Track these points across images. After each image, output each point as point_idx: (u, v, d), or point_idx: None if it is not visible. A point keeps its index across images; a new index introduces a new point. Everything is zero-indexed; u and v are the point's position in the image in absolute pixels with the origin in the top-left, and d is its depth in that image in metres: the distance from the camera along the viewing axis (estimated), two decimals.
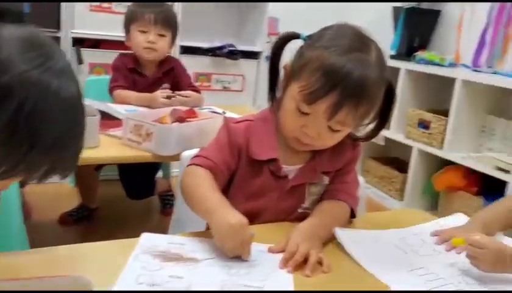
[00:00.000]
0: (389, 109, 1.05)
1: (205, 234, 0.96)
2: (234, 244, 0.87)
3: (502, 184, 2.24)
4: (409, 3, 2.86)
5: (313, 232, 0.98)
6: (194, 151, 1.20)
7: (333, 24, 1.02)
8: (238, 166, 1.08)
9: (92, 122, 1.43)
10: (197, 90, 2.11)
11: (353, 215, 1.12)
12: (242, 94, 3.16)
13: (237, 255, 0.88)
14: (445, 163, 2.62)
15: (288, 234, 0.97)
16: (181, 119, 1.63)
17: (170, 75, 2.15)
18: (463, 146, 2.56)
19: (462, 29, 2.77)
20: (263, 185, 1.08)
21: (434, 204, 2.69)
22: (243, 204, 1.06)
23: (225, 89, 3.14)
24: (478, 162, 2.42)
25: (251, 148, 1.06)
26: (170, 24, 2.10)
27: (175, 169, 2.40)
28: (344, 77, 0.92)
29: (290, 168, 1.08)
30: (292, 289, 0.83)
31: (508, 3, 2.54)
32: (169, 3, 2.18)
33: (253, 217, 1.07)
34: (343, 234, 1.00)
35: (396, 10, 2.96)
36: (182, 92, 2.01)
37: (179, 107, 1.76)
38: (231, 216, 0.88)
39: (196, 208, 0.98)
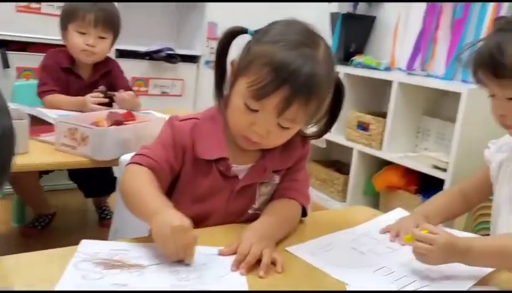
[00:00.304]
0: (339, 106, 1.04)
1: (150, 239, 0.90)
2: (176, 247, 0.82)
3: (439, 182, 2.31)
4: (346, 2, 2.92)
5: (266, 231, 0.95)
6: (131, 155, 1.13)
7: (281, 19, 0.99)
8: (183, 168, 1.03)
9: (20, 127, 1.32)
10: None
11: (304, 213, 1.10)
12: (181, 99, 3.09)
13: (180, 259, 0.83)
14: (385, 164, 2.68)
15: (238, 235, 0.93)
16: (118, 123, 1.56)
17: (107, 78, 2.04)
18: (401, 146, 2.64)
19: (397, 34, 2.86)
20: (211, 187, 1.03)
21: (375, 203, 2.74)
22: (190, 208, 1.01)
23: (164, 94, 3.06)
24: (415, 161, 2.49)
25: (197, 147, 1.01)
26: (112, 25, 1.97)
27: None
28: (293, 72, 0.89)
29: (240, 168, 1.04)
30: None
31: (437, 6, 2.65)
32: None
33: (201, 220, 1.02)
34: (296, 250, 0.96)
35: (333, 16, 3.01)
36: (124, 93, 1.91)
37: (116, 110, 1.68)
38: (172, 218, 0.83)
39: (137, 210, 0.93)
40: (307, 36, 0.94)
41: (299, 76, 0.89)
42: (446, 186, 2.28)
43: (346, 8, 2.94)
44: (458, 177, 2.27)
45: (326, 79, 0.94)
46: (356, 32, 2.96)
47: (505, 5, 2.31)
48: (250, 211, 1.06)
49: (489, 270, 0.92)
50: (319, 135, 1.08)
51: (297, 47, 0.91)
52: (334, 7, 3.00)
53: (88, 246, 0.85)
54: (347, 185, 2.86)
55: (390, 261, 0.95)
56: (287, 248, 0.96)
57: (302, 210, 1.09)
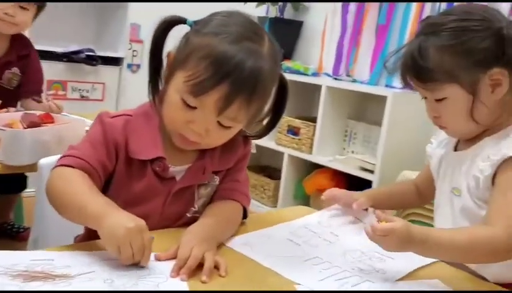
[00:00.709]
0: (283, 105, 0.99)
1: (78, 247, 0.82)
2: (133, 251, 0.75)
3: (367, 183, 2.36)
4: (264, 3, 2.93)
5: (207, 233, 0.87)
6: (53, 159, 1.05)
7: (223, 10, 0.92)
8: (115, 168, 0.93)
9: None
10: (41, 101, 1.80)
11: (245, 215, 1.05)
12: (102, 103, 2.92)
13: (135, 262, 0.77)
14: (315, 167, 2.70)
15: (176, 239, 0.85)
16: (35, 124, 1.42)
17: (22, 62, 1.84)
18: (330, 149, 2.67)
19: (325, 39, 2.90)
20: (145, 189, 0.94)
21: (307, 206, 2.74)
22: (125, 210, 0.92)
23: (84, 98, 2.88)
24: (343, 164, 2.53)
25: (131, 146, 0.92)
26: None
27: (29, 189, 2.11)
28: (235, 67, 0.82)
29: (177, 169, 0.96)
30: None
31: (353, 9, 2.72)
32: None
33: None
34: (233, 243, 0.92)
35: (260, 20, 3.00)
36: (53, 104, 1.74)
37: (31, 111, 1.53)
38: (126, 219, 0.77)
39: (75, 216, 0.84)
40: (250, 29, 0.88)
41: (241, 72, 0.83)
42: (373, 187, 2.33)
43: (273, 12, 2.94)
44: (384, 178, 2.33)
45: (270, 75, 0.89)
46: (284, 36, 2.96)
47: (427, 9, 2.41)
48: (188, 214, 0.99)
49: (419, 264, 0.91)
50: (261, 134, 1.03)
51: (240, 40, 0.85)
52: (262, 11, 2.99)
53: (3, 258, 0.73)
54: (278, 190, 2.85)
55: (326, 253, 0.94)
56: (226, 243, 0.91)
57: (243, 212, 1.04)
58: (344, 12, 2.79)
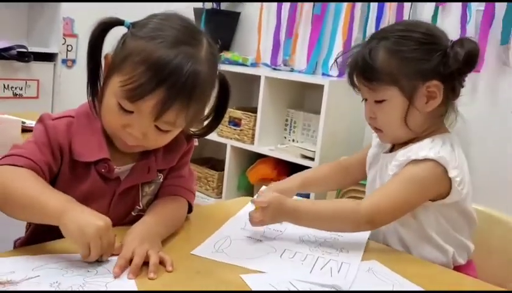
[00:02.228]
0: (225, 105, 1.00)
1: (20, 252, 0.80)
2: (101, 248, 0.78)
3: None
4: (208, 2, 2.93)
5: (150, 231, 0.88)
6: None
7: (161, 12, 0.92)
8: (60, 169, 0.93)
9: None
10: None
11: (190, 209, 1.06)
12: (37, 101, 2.82)
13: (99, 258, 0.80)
14: (257, 157, 2.75)
15: (121, 238, 0.86)
16: None
17: None
18: (271, 139, 2.72)
19: (261, 30, 2.94)
20: (90, 191, 0.94)
21: (251, 196, 2.79)
22: None
23: (17, 96, 2.76)
24: (285, 152, 2.59)
25: (75, 148, 0.92)
26: None
27: None
28: (172, 72, 0.82)
29: (121, 169, 0.96)
30: None
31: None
32: None
33: None
34: (200, 252, 0.91)
35: (197, 12, 2.99)
36: None
37: None
38: (95, 217, 0.79)
39: (29, 214, 0.84)
40: (188, 33, 0.88)
41: (179, 77, 0.83)
42: None
43: (209, 4, 2.94)
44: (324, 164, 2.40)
45: (209, 79, 0.90)
46: (221, 28, 2.97)
47: (358, 5, 2.50)
48: (133, 213, 1.00)
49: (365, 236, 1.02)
50: (203, 134, 1.04)
51: (177, 45, 0.84)
52: (198, 3, 2.98)
53: None
54: (222, 181, 2.87)
55: (288, 242, 0.98)
56: (192, 252, 0.91)
57: (188, 206, 1.05)
58: (279, 3, 2.83)
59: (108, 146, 0.94)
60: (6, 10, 2.85)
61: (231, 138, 2.79)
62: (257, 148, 2.69)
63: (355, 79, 1.06)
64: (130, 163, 0.97)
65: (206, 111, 0.99)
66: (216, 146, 2.95)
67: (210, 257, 0.89)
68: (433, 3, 2.23)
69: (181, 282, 0.81)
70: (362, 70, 1.03)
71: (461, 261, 1.06)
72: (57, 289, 0.70)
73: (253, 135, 2.70)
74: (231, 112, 2.79)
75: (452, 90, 1.03)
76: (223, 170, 2.85)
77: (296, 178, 1.23)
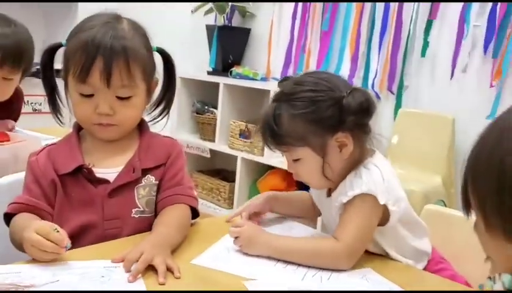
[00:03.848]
0: (172, 79, 1.14)
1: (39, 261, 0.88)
2: (47, 245, 0.86)
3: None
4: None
5: (160, 241, 0.95)
6: (10, 178, 1.16)
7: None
8: (56, 191, 1.05)
9: None
10: None
11: (196, 214, 1.13)
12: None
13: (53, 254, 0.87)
14: (267, 169, 2.82)
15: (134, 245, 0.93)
16: None
17: None
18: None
19: (271, 46, 3.02)
20: (82, 197, 1.04)
21: None
22: (69, 223, 1.02)
23: (36, 112, 2.88)
24: None
25: (57, 166, 1.05)
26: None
27: None
28: (99, 42, 0.98)
29: (109, 171, 1.06)
30: None
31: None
32: None
33: (86, 232, 1.04)
34: (199, 261, 0.98)
35: (209, 29, 3.09)
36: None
37: None
38: (34, 224, 0.89)
39: (22, 247, 0.92)
40: (109, 18, 1.04)
41: (106, 43, 0.98)
42: None
43: (221, 21, 3.03)
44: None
45: (138, 41, 1.04)
46: (233, 43, 3.07)
47: (366, 15, 2.57)
48: (135, 215, 1.06)
49: None
50: (164, 110, 1.16)
51: (100, 26, 1.01)
52: (210, 20, 3.08)
53: None
54: (233, 192, 2.94)
55: None
56: (192, 262, 0.97)
57: (193, 211, 1.12)
58: (292, 19, 2.91)
59: (95, 153, 1.07)
60: (26, 25, 2.97)
61: (241, 150, 2.87)
62: (267, 159, 2.76)
63: (269, 143, 1.09)
64: (119, 166, 1.07)
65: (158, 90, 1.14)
66: (227, 158, 3.03)
67: (209, 266, 0.96)
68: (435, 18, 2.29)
69: (188, 287, 0.87)
70: (272, 137, 1.06)
71: (420, 267, 1.10)
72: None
73: (263, 147, 2.77)
74: (241, 124, 2.87)
75: (363, 132, 1.05)
76: (234, 181, 2.93)
77: (268, 197, 1.25)
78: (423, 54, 2.36)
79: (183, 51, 3.24)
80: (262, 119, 1.08)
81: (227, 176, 3.12)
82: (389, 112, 2.51)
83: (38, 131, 1.85)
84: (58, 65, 1.08)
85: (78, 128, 1.10)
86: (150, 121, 1.16)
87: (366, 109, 1.02)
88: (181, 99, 3.10)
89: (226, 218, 1.26)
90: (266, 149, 2.72)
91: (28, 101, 2.84)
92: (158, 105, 1.15)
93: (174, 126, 3.08)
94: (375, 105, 1.05)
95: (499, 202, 0.44)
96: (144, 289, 0.83)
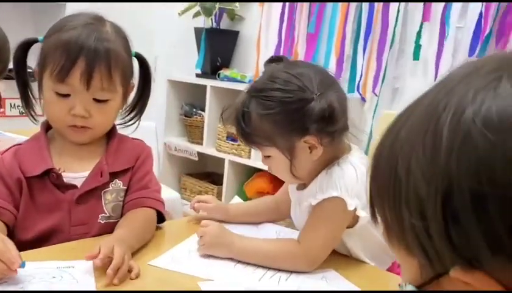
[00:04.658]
0: (147, 85, 1.12)
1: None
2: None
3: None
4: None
5: (123, 240, 0.94)
6: None
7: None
8: (21, 191, 1.02)
9: None
10: None
11: (162, 219, 1.12)
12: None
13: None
14: (254, 171, 2.80)
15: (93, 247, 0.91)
16: None
17: None
18: None
19: (260, 48, 3.01)
20: (48, 201, 1.02)
21: None
22: (32, 227, 1.01)
23: (23, 115, 2.86)
24: None
25: (23, 168, 1.02)
26: None
27: None
28: (82, 44, 0.96)
29: (76, 176, 1.04)
30: None
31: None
32: None
33: (50, 236, 1.02)
34: (158, 262, 0.97)
35: (197, 31, 3.09)
36: None
37: None
38: None
39: None
40: (91, 19, 1.02)
41: (89, 45, 0.96)
42: None
43: (209, 23, 3.03)
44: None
45: (119, 45, 1.02)
46: (221, 46, 3.06)
47: (351, 17, 2.56)
48: (101, 221, 1.05)
49: None
50: (136, 115, 1.14)
51: (82, 26, 0.99)
52: (199, 22, 3.07)
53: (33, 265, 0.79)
54: (221, 195, 2.93)
55: None
56: (149, 263, 0.96)
57: (159, 216, 1.11)
58: (280, 22, 2.90)
59: (63, 157, 1.04)
60: (12, 30, 2.98)
61: (229, 153, 2.86)
62: (254, 162, 2.75)
63: (240, 139, 1.08)
64: (86, 170, 1.05)
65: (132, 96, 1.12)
66: (215, 161, 3.02)
67: (166, 267, 0.95)
68: (419, 19, 2.28)
69: (142, 288, 0.87)
70: (241, 135, 1.04)
71: (384, 268, 1.08)
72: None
73: (250, 149, 2.75)
74: (229, 127, 2.85)
75: (332, 133, 0.99)
76: (222, 184, 2.91)
77: (241, 207, 1.26)
78: (416, 57, 2.32)
79: (172, 54, 3.24)
80: (233, 113, 1.04)
81: (216, 179, 3.10)
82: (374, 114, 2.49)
83: (24, 133, 1.84)
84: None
85: (46, 128, 1.08)
86: (120, 124, 1.14)
87: (328, 117, 0.96)
88: (169, 102, 3.10)
89: (189, 219, 1.25)
90: (253, 151, 2.75)
91: (15, 104, 2.84)
92: (131, 111, 1.13)
93: (162, 128, 3.07)
94: (342, 110, 1.00)
95: (395, 213, 0.41)
96: (94, 288, 0.82)
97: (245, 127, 1.01)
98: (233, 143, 2.84)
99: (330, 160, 1.02)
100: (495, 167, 0.34)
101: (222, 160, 2.90)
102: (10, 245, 0.83)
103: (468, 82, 0.38)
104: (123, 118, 1.14)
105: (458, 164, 0.36)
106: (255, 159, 2.74)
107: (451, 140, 0.36)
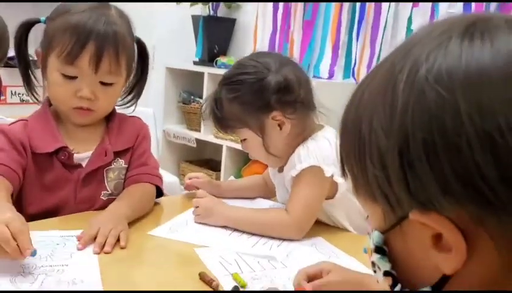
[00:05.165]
0: (145, 69, 1.15)
1: None
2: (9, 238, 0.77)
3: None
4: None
5: (116, 213, 0.99)
6: None
7: None
8: (27, 164, 1.04)
9: None
10: None
11: (161, 193, 1.17)
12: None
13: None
14: None
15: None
16: None
17: None
18: None
19: (257, 36, 3.05)
20: (55, 179, 1.05)
21: None
22: (39, 203, 1.05)
23: (24, 102, 2.91)
24: None
25: (33, 143, 1.04)
26: None
27: None
28: (92, 27, 0.98)
29: (81, 156, 1.07)
30: (97, 266, 0.84)
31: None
32: None
33: (53, 213, 1.06)
34: (156, 232, 1.01)
35: (195, 19, 3.12)
36: None
37: None
38: (7, 211, 0.81)
39: None
40: (96, 3, 1.04)
41: (99, 29, 0.99)
42: None
43: (206, 11, 3.06)
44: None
45: (126, 30, 1.05)
46: (218, 34, 3.10)
47: (346, 5, 2.60)
48: (103, 197, 1.10)
49: None
50: (136, 95, 1.17)
51: (89, 9, 1.01)
52: (196, 10, 3.11)
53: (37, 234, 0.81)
54: (219, 180, 2.98)
55: None
56: (149, 232, 1.01)
57: (158, 191, 1.16)
58: (275, 9, 2.94)
59: (66, 136, 1.07)
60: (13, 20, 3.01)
61: (226, 139, 2.90)
62: None
63: (215, 126, 1.15)
64: (89, 150, 1.08)
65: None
66: (214, 147, 3.07)
67: (165, 236, 1.00)
68: (410, 5, 2.32)
69: (141, 254, 0.93)
70: (216, 122, 1.11)
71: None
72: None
73: None
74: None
75: (301, 108, 1.07)
76: (220, 170, 2.96)
77: (232, 184, 1.33)
78: None
79: (170, 42, 3.28)
80: (209, 104, 1.12)
81: (214, 165, 3.15)
82: None
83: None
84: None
85: (49, 107, 1.10)
86: (118, 106, 1.17)
87: (284, 87, 1.04)
88: (167, 90, 3.14)
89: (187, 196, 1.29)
90: None
91: (16, 92, 2.88)
92: (129, 93, 1.17)
93: (160, 116, 3.12)
94: (299, 81, 1.07)
95: (361, 167, 0.44)
96: (96, 258, 0.87)
97: (218, 113, 1.09)
98: None
99: (303, 138, 1.09)
100: (444, 119, 0.38)
101: (220, 147, 2.94)
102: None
103: (423, 44, 0.42)
104: (121, 100, 1.18)
105: (413, 118, 0.40)
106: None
107: (407, 97, 0.40)
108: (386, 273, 0.46)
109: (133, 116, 1.19)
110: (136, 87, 1.17)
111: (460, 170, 0.38)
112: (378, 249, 0.47)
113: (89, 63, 0.98)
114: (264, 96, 1.05)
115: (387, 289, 0.47)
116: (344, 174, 0.50)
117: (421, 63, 0.41)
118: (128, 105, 1.19)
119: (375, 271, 0.48)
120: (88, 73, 0.99)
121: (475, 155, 0.37)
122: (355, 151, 0.45)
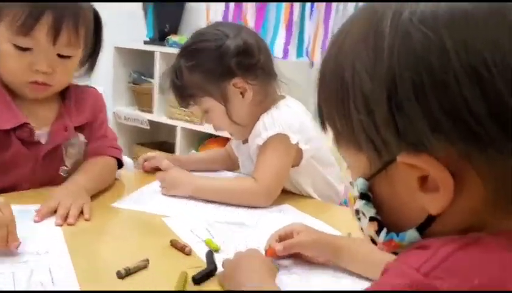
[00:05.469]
0: (98, 42, 1.09)
1: None
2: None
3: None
4: None
5: (77, 186, 0.96)
6: None
7: None
8: None
9: None
10: None
11: (121, 164, 1.14)
12: None
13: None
14: (207, 137, 2.83)
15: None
16: None
17: None
18: None
19: (209, 15, 3.01)
20: (13, 157, 0.99)
21: None
22: None
23: None
24: None
25: None
26: None
27: None
28: None
29: (40, 132, 1.01)
30: (62, 236, 0.82)
31: None
32: None
33: (13, 190, 1.00)
34: (120, 203, 0.99)
35: None
36: None
37: None
38: None
39: None
40: None
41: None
42: None
43: None
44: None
45: (83, 4, 0.99)
46: (168, 12, 3.03)
47: None
48: (63, 173, 1.05)
49: None
50: (90, 69, 1.10)
51: None
52: None
53: None
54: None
55: None
56: (113, 205, 0.98)
57: (118, 162, 1.13)
58: None
59: (23, 110, 0.99)
60: None
61: (181, 120, 2.86)
62: (207, 128, 2.76)
63: (176, 98, 1.13)
64: (46, 125, 1.02)
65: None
66: (167, 129, 3.02)
67: (130, 207, 0.98)
68: None
69: (107, 226, 0.91)
70: (178, 92, 1.10)
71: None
72: None
73: None
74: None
75: (262, 74, 1.07)
76: (175, 152, 2.92)
77: (192, 156, 1.33)
78: None
79: (119, 20, 3.17)
80: (168, 76, 1.10)
81: (168, 147, 3.10)
82: None
83: None
84: None
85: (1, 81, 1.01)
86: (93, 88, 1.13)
87: (243, 51, 1.04)
88: (117, 70, 3.04)
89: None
90: None
91: None
92: (81, 67, 1.09)
93: (110, 98, 3.03)
94: (259, 46, 1.07)
95: (344, 115, 0.44)
96: (60, 231, 0.84)
97: (178, 82, 1.07)
98: (185, 109, 2.84)
99: (266, 106, 1.09)
100: (431, 58, 0.39)
101: (174, 128, 2.90)
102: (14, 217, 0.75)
103: None
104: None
105: (399, 59, 0.40)
106: (208, 124, 2.76)
107: (392, 39, 0.41)
108: (371, 219, 0.47)
109: (87, 86, 1.13)
110: (89, 60, 1.10)
111: (448, 105, 0.39)
112: (363, 196, 0.47)
113: (47, 34, 0.91)
114: (224, 61, 1.04)
115: (368, 239, 0.48)
116: (324, 127, 0.50)
117: (404, 8, 0.41)
118: (79, 79, 1.12)
119: (359, 219, 0.49)
120: (45, 45, 0.92)
121: (462, 90, 0.38)
122: (337, 100, 0.45)
